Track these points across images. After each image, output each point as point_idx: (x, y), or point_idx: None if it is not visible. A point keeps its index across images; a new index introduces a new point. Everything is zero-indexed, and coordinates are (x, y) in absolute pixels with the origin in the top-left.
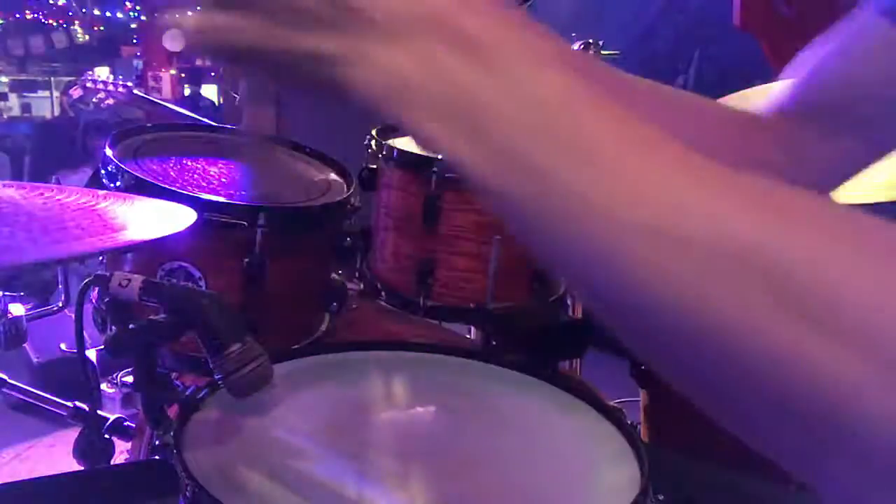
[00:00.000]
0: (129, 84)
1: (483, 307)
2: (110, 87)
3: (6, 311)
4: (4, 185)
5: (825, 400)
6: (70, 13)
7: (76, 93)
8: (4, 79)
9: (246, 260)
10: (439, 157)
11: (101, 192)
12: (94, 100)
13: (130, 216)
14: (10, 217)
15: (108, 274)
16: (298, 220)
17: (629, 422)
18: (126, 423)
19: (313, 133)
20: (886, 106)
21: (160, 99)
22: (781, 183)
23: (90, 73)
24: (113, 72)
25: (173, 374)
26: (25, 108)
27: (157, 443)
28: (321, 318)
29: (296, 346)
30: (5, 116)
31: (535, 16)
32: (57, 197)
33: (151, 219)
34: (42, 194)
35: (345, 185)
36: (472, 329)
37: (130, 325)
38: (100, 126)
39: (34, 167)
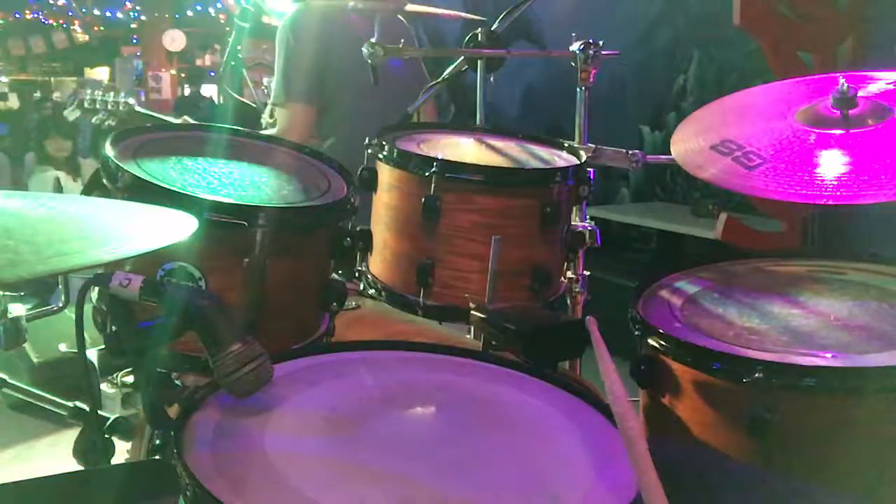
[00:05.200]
0: (131, 101)
1: (483, 307)
2: (110, 107)
3: (6, 311)
4: (7, 196)
5: None
6: (70, 13)
7: (72, 115)
8: (4, 79)
9: (246, 260)
10: (439, 156)
11: (102, 200)
12: (93, 120)
13: (131, 224)
14: (13, 230)
15: (108, 274)
16: (298, 220)
17: None
18: (126, 423)
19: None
20: None
21: (160, 112)
22: None
23: (81, 91)
24: (113, 72)
25: (173, 374)
26: None
27: (157, 443)
28: (321, 318)
29: (296, 346)
30: None
31: (536, 15)
32: (58, 207)
33: (152, 226)
34: (44, 204)
35: (345, 185)
36: (472, 329)
37: (130, 325)
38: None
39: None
